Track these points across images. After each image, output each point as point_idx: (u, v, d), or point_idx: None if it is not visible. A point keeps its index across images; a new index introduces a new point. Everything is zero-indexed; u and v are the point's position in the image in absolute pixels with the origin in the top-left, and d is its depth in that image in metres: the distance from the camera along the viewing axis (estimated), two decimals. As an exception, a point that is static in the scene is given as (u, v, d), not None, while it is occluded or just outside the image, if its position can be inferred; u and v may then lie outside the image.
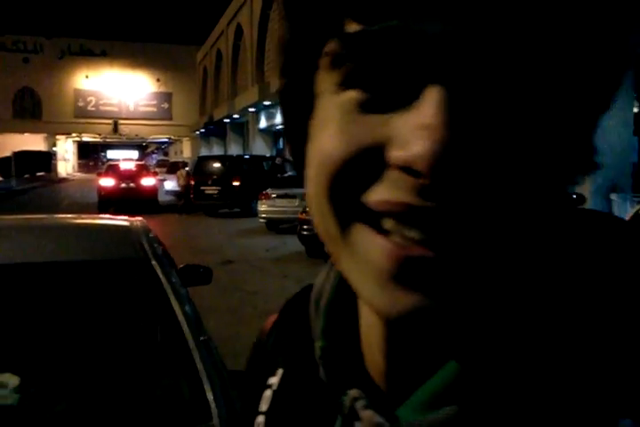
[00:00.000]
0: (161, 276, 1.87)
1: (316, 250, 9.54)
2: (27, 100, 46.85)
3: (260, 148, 25.16)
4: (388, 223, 0.28)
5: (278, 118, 23.61)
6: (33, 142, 46.39)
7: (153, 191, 18.44)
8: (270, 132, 25.95)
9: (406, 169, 0.27)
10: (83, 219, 2.75)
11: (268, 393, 0.44)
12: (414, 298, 0.28)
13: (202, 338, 1.68)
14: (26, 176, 33.98)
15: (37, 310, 1.88)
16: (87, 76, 49.02)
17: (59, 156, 49.56)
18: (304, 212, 10.06)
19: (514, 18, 0.26)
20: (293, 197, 12.61)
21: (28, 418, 1.55)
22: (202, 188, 16.75)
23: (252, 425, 0.44)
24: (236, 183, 16.37)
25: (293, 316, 0.45)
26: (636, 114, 8.93)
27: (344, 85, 0.29)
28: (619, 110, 8.73)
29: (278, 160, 17.59)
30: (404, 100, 0.28)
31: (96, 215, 2.92)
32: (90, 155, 78.00)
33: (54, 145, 49.69)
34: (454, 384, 0.32)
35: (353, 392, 0.35)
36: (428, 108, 0.27)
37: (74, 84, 48.93)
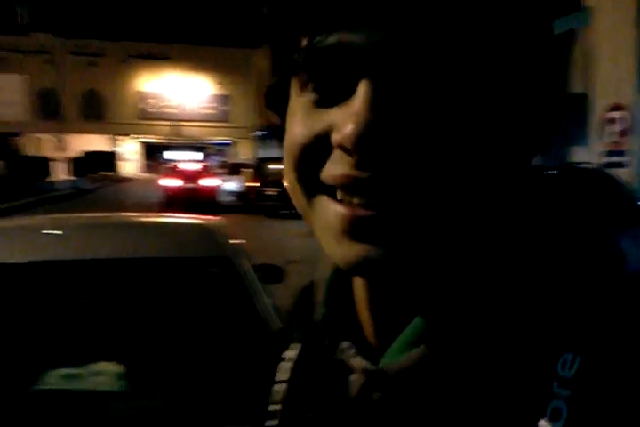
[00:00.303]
0: (243, 274, 1.97)
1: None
2: (92, 102, 48.57)
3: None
4: (339, 194, 0.36)
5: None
6: (99, 143, 48.07)
7: (214, 192, 18.80)
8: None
9: (342, 148, 0.34)
10: (164, 217, 2.89)
11: (287, 365, 0.50)
12: (362, 248, 0.35)
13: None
14: (93, 175, 35.28)
15: (130, 303, 2.01)
16: (150, 79, 50.43)
17: (122, 156, 51.16)
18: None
19: (423, 27, 0.33)
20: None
21: (128, 404, 1.67)
22: (262, 189, 17.01)
23: (271, 394, 0.50)
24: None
25: (305, 299, 0.52)
26: None
27: (302, 88, 0.38)
28: None
29: None
30: (343, 96, 0.35)
31: (175, 214, 3.05)
32: (154, 155, 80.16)
33: (119, 146, 51.29)
34: (424, 333, 0.38)
35: (344, 344, 0.42)
36: (357, 99, 0.34)
37: (137, 86, 50.42)
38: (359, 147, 0.33)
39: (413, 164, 0.34)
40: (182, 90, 50.76)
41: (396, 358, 0.39)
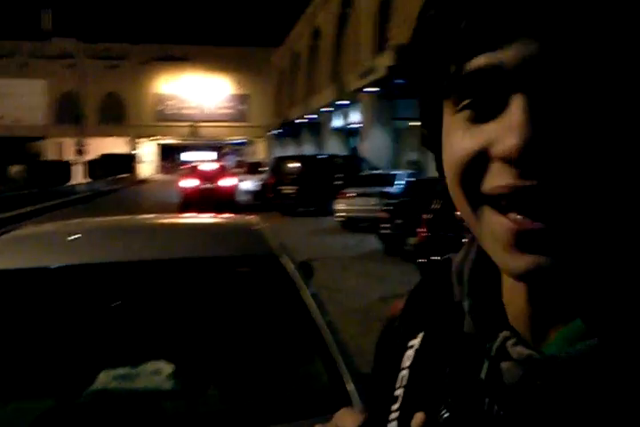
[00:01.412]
0: (290, 271, 1.98)
1: (394, 248, 9.54)
2: (113, 105, 49.07)
3: (334, 147, 25.31)
4: (503, 202, 0.38)
5: (351, 117, 23.69)
6: (118, 145, 48.51)
7: (232, 192, 18.90)
8: (344, 131, 26.06)
9: (504, 160, 0.36)
10: (203, 218, 2.92)
11: (410, 352, 0.53)
12: (532, 260, 0.37)
13: (332, 331, 1.77)
14: (110, 178, 35.62)
15: (180, 303, 2.03)
16: (168, 81, 50.80)
17: (141, 158, 51.60)
18: (383, 210, 10.11)
19: (566, 41, 0.35)
20: (370, 195, 12.60)
21: (182, 402, 1.69)
22: (279, 187, 17.08)
23: (394, 381, 0.53)
24: (312, 183, 16.58)
25: (428, 291, 0.56)
26: None
27: (457, 108, 0.40)
28: None
29: (339, 160, 17.63)
30: (498, 111, 0.38)
31: (213, 214, 3.07)
32: (170, 156, 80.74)
33: (137, 148, 51.76)
34: (589, 328, 0.40)
35: (504, 333, 0.43)
36: (515, 113, 0.36)
37: (156, 88, 50.84)
38: (523, 158, 0.35)
39: (573, 172, 0.35)
40: (200, 90, 51.07)
41: (562, 347, 0.40)
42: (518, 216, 0.37)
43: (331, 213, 14.09)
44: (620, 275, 0.40)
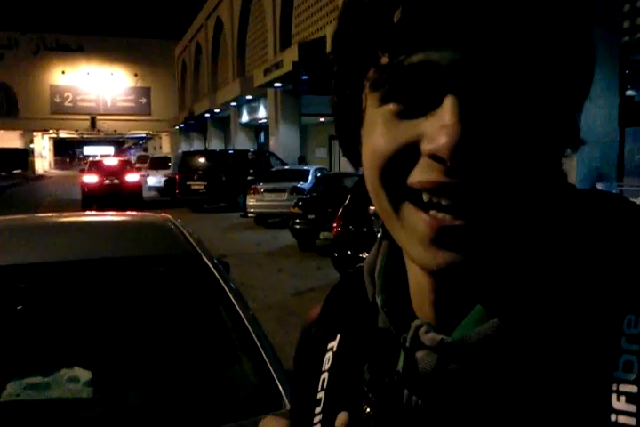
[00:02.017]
0: (213, 270, 1.92)
1: (308, 243, 9.60)
2: (2, 97, 46.06)
3: (242, 142, 25.05)
4: (425, 197, 0.39)
5: (260, 113, 23.49)
6: (9, 139, 45.60)
7: (137, 187, 18.30)
8: (252, 127, 25.85)
9: (434, 157, 0.38)
10: (114, 216, 2.77)
11: (328, 355, 0.54)
12: (448, 255, 0.39)
13: (259, 328, 1.74)
14: (2, 174, 33.47)
15: (100, 306, 1.92)
16: (63, 72, 48.31)
17: (36, 153, 48.82)
18: (296, 206, 10.13)
19: (501, 43, 0.37)
20: (282, 191, 12.60)
21: (102, 410, 1.59)
22: (187, 183, 16.70)
23: (316, 384, 0.53)
24: (221, 178, 16.35)
25: (343, 293, 0.57)
26: (620, 106, 9.10)
27: (383, 101, 0.40)
28: (604, 103, 8.90)
29: (250, 155, 17.50)
30: (428, 107, 0.39)
31: (122, 212, 2.93)
32: (66, 151, 77.01)
33: (31, 142, 48.93)
34: (494, 309, 0.42)
35: (416, 322, 0.44)
36: (446, 112, 0.37)
37: (50, 79, 48.20)
38: (453, 156, 0.37)
39: (495, 172, 0.38)
40: (99, 83, 48.95)
41: (467, 333, 0.42)
42: (439, 213, 0.38)
43: (241, 208, 13.93)
44: (519, 264, 0.42)
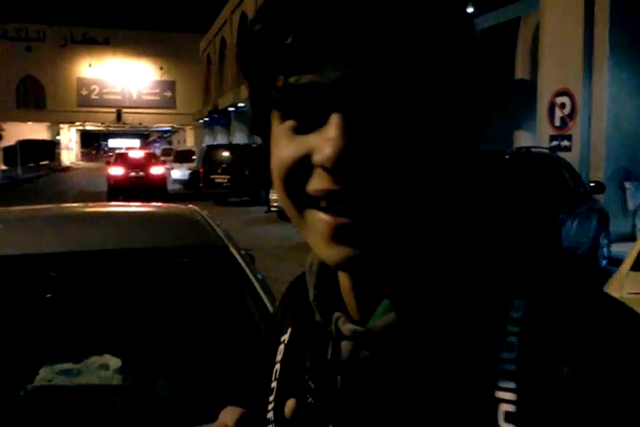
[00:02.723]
0: (240, 261, 1.94)
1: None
2: (30, 89, 46.70)
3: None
4: (322, 203, 0.44)
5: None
6: (37, 131, 46.26)
7: (162, 180, 18.45)
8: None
9: (322, 167, 0.42)
10: (141, 207, 2.80)
11: (281, 347, 0.59)
12: (345, 250, 0.43)
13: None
14: (30, 165, 33.98)
15: (128, 295, 1.95)
16: (90, 65, 48.82)
17: (62, 145, 49.47)
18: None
19: (376, 65, 0.41)
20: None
21: (132, 398, 1.62)
22: (211, 176, 16.79)
23: (271, 374, 0.58)
24: (245, 172, 16.40)
25: (295, 290, 0.61)
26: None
27: (283, 118, 0.46)
28: (631, 102, 8.74)
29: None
30: (319, 124, 0.43)
31: (149, 203, 2.96)
32: (92, 143, 77.92)
33: (58, 134, 49.59)
34: (396, 301, 0.48)
35: (336, 314, 0.50)
36: (331, 128, 0.42)
37: (77, 72, 48.75)
38: (336, 166, 0.41)
39: (380, 177, 0.42)
40: (125, 76, 49.37)
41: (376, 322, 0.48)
42: (335, 215, 0.43)
43: (264, 202, 13.97)
44: (418, 258, 0.47)
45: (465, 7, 0.46)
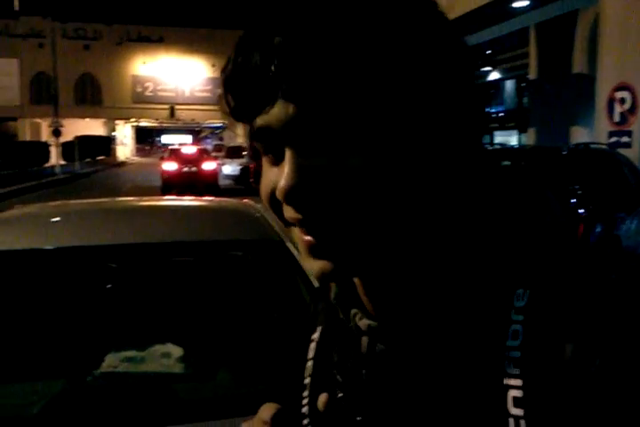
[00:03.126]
0: (296, 255, 1.96)
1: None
2: (87, 87, 48.10)
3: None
4: (296, 224, 0.48)
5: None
6: (93, 127, 47.65)
7: (213, 175, 18.74)
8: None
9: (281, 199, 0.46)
10: (198, 201, 2.87)
11: (312, 345, 0.62)
12: (319, 264, 0.47)
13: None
14: (87, 160, 35.02)
15: (187, 287, 2.01)
16: (144, 62, 49.89)
17: (118, 140, 50.81)
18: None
19: (320, 101, 0.43)
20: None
21: (194, 385, 1.67)
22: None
23: (304, 370, 0.61)
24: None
25: (325, 292, 0.63)
26: None
27: (264, 152, 0.49)
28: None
29: None
30: (282, 158, 0.47)
31: (205, 198, 3.03)
32: (145, 139, 79.68)
33: (113, 130, 50.91)
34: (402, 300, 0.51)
35: (354, 310, 0.53)
36: (285, 163, 0.46)
37: (132, 70, 49.91)
38: (287, 200, 0.45)
39: (335, 204, 0.45)
40: (178, 73, 50.26)
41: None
42: (304, 235, 0.47)
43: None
44: (411, 253, 0.49)
45: (427, 20, 0.46)
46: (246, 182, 18.21)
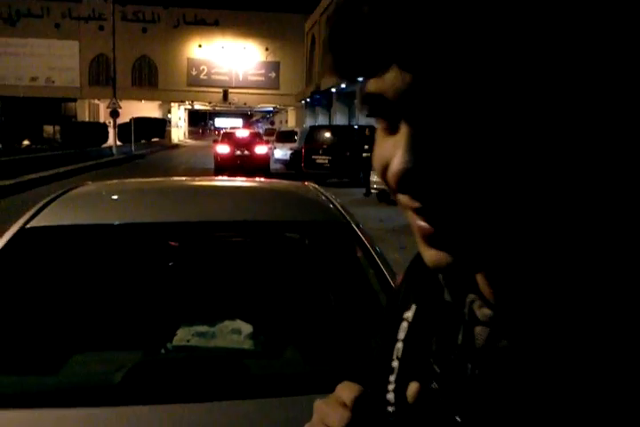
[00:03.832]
0: (361, 236, 1.98)
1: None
2: (144, 69, 49.03)
3: (367, 118, 25.01)
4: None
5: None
6: (149, 109, 48.64)
7: (265, 159, 18.90)
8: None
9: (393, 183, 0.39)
10: (265, 183, 2.90)
11: (404, 324, 0.55)
12: (435, 254, 0.41)
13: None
14: (142, 141, 35.81)
15: (256, 266, 2.04)
16: (200, 46, 50.45)
17: (172, 123, 51.72)
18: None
19: (441, 72, 0.35)
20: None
21: (264, 362, 1.71)
22: (313, 157, 17.01)
23: (392, 352, 0.54)
24: (346, 153, 16.48)
25: (419, 267, 0.55)
26: None
27: (377, 116, 0.41)
28: None
29: (368, 131, 17.23)
30: (397, 128, 0.39)
31: (270, 179, 3.07)
32: (199, 122, 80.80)
33: (169, 112, 51.84)
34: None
35: (470, 297, 0.45)
36: (400, 138, 0.38)
37: (187, 53, 50.55)
38: (400, 188, 0.38)
39: (455, 192, 0.37)
40: (232, 56, 50.66)
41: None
42: (421, 222, 0.41)
43: (363, 184, 14.00)
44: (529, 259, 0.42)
45: None
46: (297, 167, 18.30)
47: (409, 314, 0.55)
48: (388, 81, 0.37)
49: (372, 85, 0.39)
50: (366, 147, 15.98)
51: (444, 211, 0.39)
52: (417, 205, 0.39)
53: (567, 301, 0.40)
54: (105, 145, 30.16)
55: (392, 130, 0.40)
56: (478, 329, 0.44)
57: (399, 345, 0.54)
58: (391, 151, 0.39)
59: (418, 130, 0.37)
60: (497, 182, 0.37)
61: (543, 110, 0.35)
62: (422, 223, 0.40)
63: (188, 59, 50.34)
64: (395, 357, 0.54)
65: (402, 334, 0.55)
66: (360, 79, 0.40)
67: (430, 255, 0.41)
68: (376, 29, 0.36)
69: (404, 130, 0.38)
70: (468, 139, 0.36)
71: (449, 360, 0.46)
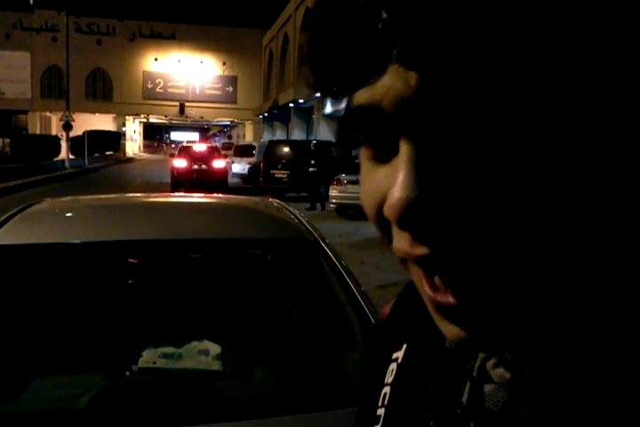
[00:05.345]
0: (332, 256, 1.97)
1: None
2: (98, 81, 48.35)
3: (325, 133, 25.19)
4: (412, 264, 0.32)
5: (344, 104, 23.49)
6: (103, 122, 47.91)
7: (223, 173, 18.80)
8: (335, 118, 25.94)
9: (392, 220, 0.29)
10: (227, 198, 2.88)
11: (393, 366, 0.47)
12: (454, 329, 0.32)
13: (375, 316, 1.77)
14: (96, 155, 35.14)
15: (227, 284, 2.01)
16: (156, 59, 50.10)
17: (127, 136, 50.99)
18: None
19: (451, 72, 0.26)
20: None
21: (232, 383, 1.68)
22: (271, 171, 17.01)
23: (377, 398, 0.47)
24: (304, 168, 16.55)
25: (412, 299, 0.46)
26: None
27: (363, 142, 0.33)
28: None
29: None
30: (393, 152, 0.30)
31: (230, 195, 3.05)
32: (154, 136, 79.91)
33: (123, 125, 51.13)
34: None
35: (482, 354, 0.37)
36: (400, 161, 0.29)
37: (143, 66, 50.12)
38: (401, 222, 0.29)
39: (472, 237, 0.29)
40: (188, 70, 50.45)
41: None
42: (431, 285, 0.31)
43: (321, 199, 14.08)
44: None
45: None
46: (255, 181, 18.25)
47: (398, 355, 0.47)
48: (385, 87, 0.29)
49: (362, 96, 0.30)
50: (312, 162, 16.08)
51: (461, 259, 0.29)
52: (423, 251, 0.30)
53: (608, 369, 0.32)
54: (57, 158, 29.48)
55: (383, 157, 0.31)
56: (489, 389, 0.36)
57: (386, 390, 0.47)
58: (385, 182, 0.31)
59: (424, 148, 0.29)
60: (532, 215, 0.28)
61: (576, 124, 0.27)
62: (432, 291, 0.31)
63: (144, 72, 49.88)
64: (380, 404, 0.46)
65: (389, 378, 0.47)
66: (343, 95, 0.32)
67: (448, 329, 0.32)
68: (372, 16, 0.28)
69: (404, 150, 0.29)
70: (490, 157, 0.28)
71: (450, 419, 0.39)
